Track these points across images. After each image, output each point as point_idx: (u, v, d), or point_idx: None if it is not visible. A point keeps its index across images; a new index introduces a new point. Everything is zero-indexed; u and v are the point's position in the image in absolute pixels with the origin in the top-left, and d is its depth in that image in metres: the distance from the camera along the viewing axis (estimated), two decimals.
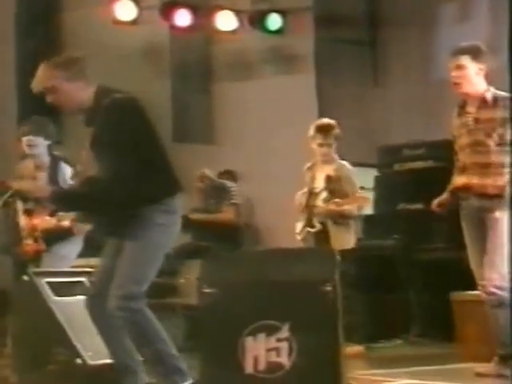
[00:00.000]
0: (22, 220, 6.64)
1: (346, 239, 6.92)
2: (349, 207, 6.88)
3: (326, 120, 7.24)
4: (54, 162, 6.58)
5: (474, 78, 5.61)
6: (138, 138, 4.58)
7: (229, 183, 8.69)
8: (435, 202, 5.83)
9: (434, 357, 6.79)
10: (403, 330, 7.88)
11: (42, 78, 4.72)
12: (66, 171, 6.44)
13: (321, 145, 7.02)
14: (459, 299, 6.59)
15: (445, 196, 5.80)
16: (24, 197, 6.46)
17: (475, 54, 5.62)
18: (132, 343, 4.72)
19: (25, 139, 6.59)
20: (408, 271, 8.11)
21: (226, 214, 8.40)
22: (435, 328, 7.51)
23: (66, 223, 6.43)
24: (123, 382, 4.84)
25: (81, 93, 4.71)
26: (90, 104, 4.68)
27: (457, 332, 6.63)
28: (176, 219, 4.70)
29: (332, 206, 6.86)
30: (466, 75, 5.62)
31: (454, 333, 6.67)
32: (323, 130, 7.03)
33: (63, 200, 4.78)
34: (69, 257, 6.56)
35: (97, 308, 4.79)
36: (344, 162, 7.12)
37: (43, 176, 6.46)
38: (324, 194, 6.91)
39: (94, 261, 7.35)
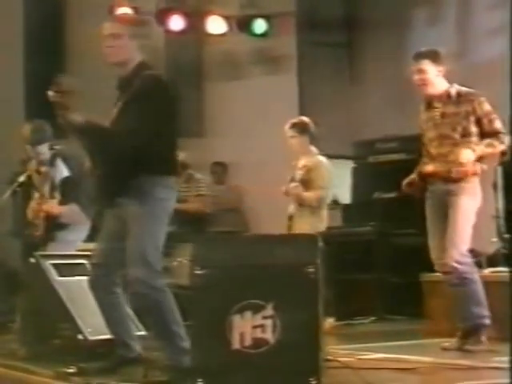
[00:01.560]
0: (33, 206, 6.63)
1: (307, 224, 6.85)
2: (308, 195, 6.89)
3: (299, 118, 7.27)
4: (53, 158, 6.53)
5: (435, 79, 5.63)
6: (163, 113, 4.54)
7: (198, 175, 8.57)
8: (404, 182, 5.82)
9: (404, 333, 6.79)
10: (377, 308, 7.89)
11: (111, 25, 4.72)
12: (62, 168, 6.48)
13: (292, 137, 7.04)
14: (428, 280, 6.59)
15: (413, 176, 5.79)
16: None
17: (433, 57, 5.64)
18: (148, 322, 4.70)
19: (29, 148, 6.56)
20: (383, 254, 8.12)
21: (194, 205, 8.33)
22: (406, 306, 7.51)
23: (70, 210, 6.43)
24: (119, 353, 4.82)
25: (134, 53, 4.70)
26: (130, 70, 4.66)
27: (425, 310, 6.63)
28: (173, 194, 4.67)
29: (294, 192, 6.89)
30: (427, 78, 5.64)
31: (422, 310, 6.68)
32: (295, 125, 7.05)
33: (87, 129, 4.60)
34: (73, 243, 6.50)
35: (100, 288, 4.76)
36: (319, 156, 7.08)
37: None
38: (294, 183, 6.94)
39: (93, 245, 7.37)
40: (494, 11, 8.63)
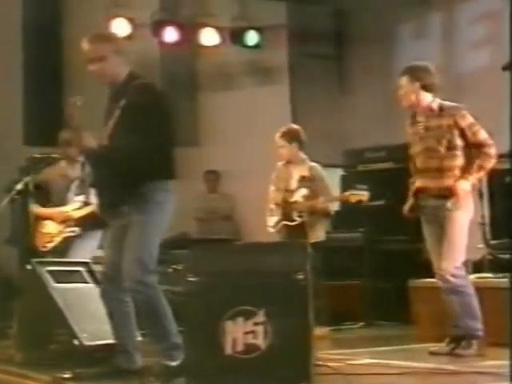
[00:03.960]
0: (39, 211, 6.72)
1: (320, 232, 6.91)
2: (326, 204, 6.91)
3: (289, 126, 7.24)
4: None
5: (412, 94, 5.61)
6: (157, 119, 4.56)
7: None
8: (406, 208, 5.80)
9: (392, 338, 6.77)
10: (365, 314, 7.87)
11: (93, 47, 4.70)
12: None
13: (282, 147, 7.02)
14: (416, 286, 6.57)
15: (411, 201, 5.77)
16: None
17: (411, 73, 5.64)
18: (141, 318, 4.72)
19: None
20: (371, 261, 8.10)
21: None
22: (394, 311, 7.49)
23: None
24: (120, 361, 4.77)
25: (121, 68, 4.72)
26: (120, 82, 4.68)
27: (413, 315, 6.61)
28: (170, 197, 4.69)
29: (311, 202, 6.86)
30: (404, 93, 5.66)
31: (410, 316, 6.65)
32: (285, 134, 7.02)
33: (96, 155, 4.67)
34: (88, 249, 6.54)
35: (110, 297, 4.76)
36: (315, 164, 7.09)
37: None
38: (304, 191, 6.91)
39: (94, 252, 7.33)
40: (478, 25, 8.66)
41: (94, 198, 5.93)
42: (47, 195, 6.77)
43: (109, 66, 4.68)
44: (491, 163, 5.56)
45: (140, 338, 5.44)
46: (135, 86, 4.58)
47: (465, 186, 5.50)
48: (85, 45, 4.73)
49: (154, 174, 4.60)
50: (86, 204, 6.49)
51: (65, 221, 6.61)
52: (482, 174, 5.64)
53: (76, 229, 6.58)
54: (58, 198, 6.72)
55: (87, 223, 6.48)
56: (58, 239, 6.60)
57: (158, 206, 4.58)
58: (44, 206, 6.82)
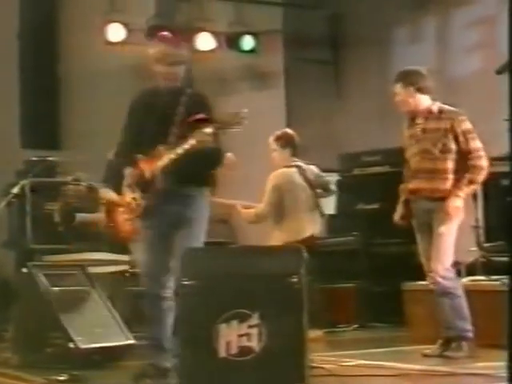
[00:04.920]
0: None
1: (271, 237, 6.86)
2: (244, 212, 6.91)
3: (284, 131, 7.22)
4: None
5: (410, 99, 5.64)
6: None
7: (97, 185, 8.57)
8: (397, 216, 5.82)
9: (386, 340, 6.78)
10: (360, 316, 7.87)
11: (174, 51, 4.99)
12: None
13: (274, 150, 7.01)
14: (409, 288, 6.59)
15: (401, 209, 5.79)
16: None
17: (404, 80, 5.68)
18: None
19: None
20: (366, 264, 8.11)
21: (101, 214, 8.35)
22: (388, 314, 7.50)
23: None
24: (158, 360, 4.78)
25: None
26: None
27: (406, 318, 6.62)
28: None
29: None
30: (401, 100, 5.68)
31: (404, 318, 6.66)
32: (279, 138, 7.01)
33: None
34: None
35: (154, 299, 4.78)
36: (284, 169, 6.99)
37: None
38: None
39: (87, 255, 7.33)
40: (472, 29, 8.68)
41: None
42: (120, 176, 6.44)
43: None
44: (482, 176, 5.59)
45: (133, 341, 5.46)
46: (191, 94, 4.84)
47: (456, 204, 5.52)
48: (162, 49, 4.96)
49: (203, 179, 4.85)
50: None
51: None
52: (472, 187, 5.69)
53: None
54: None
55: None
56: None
57: (205, 210, 4.81)
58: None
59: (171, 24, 9.67)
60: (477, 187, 5.81)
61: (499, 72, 4.21)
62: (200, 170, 4.75)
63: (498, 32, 8.14)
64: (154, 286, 4.77)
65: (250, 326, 4.24)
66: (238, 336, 4.24)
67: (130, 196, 4.86)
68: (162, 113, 4.78)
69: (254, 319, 4.25)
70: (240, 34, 9.73)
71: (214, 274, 4.35)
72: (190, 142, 4.59)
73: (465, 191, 5.57)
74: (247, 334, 4.24)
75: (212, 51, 9.81)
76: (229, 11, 9.82)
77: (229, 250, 4.99)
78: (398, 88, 5.68)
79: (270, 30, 9.83)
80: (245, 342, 4.23)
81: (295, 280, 4.27)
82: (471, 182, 5.59)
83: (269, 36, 9.84)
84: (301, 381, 4.16)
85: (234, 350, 4.23)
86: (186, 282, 4.32)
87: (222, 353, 4.23)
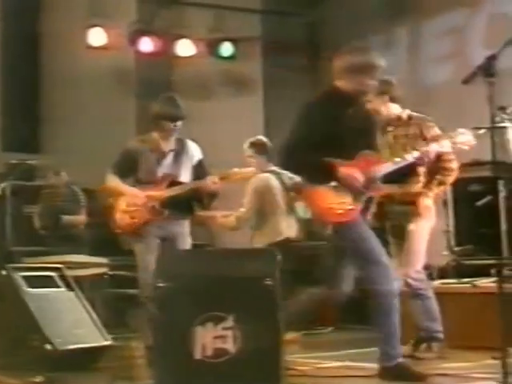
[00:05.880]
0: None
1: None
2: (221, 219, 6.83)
3: (257, 138, 7.22)
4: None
5: (382, 107, 5.70)
6: None
7: (77, 188, 8.60)
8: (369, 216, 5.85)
9: (361, 341, 6.76)
10: (336, 318, 7.89)
11: None
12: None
13: (249, 156, 7.01)
14: None
15: (373, 210, 5.82)
16: None
17: (378, 88, 5.68)
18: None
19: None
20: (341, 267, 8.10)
21: (82, 216, 8.43)
22: (364, 316, 7.49)
23: None
24: None
25: None
26: None
27: None
28: None
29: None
30: (372, 108, 5.63)
31: None
32: (253, 144, 7.01)
33: None
34: None
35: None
36: (260, 174, 6.99)
37: None
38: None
39: (66, 257, 7.32)
40: (442, 39, 8.75)
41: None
42: (132, 167, 5.82)
43: None
44: (452, 177, 5.66)
45: (111, 343, 5.44)
46: None
47: (426, 203, 5.62)
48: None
49: None
50: (174, 183, 5.77)
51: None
52: (442, 188, 5.78)
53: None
54: (146, 172, 5.79)
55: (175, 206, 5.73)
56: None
57: None
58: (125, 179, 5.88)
59: (152, 29, 9.69)
60: (446, 188, 5.85)
61: (465, 82, 4.24)
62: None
63: (468, 42, 8.25)
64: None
65: (225, 328, 4.24)
66: (213, 338, 4.23)
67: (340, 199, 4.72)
68: (360, 121, 4.76)
69: (229, 321, 4.24)
70: (219, 41, 9.76)
71: (190, 277, 4.34)
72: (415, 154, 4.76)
73: (435, 192, 5.66)
74: (222, 336, 4.23)
75: (191, 57, 9.83)
76: (208, 18, 9.84)
77: (204, 252, 4.98)
78: (371, 96, 5.71)
79: (248, 37, 9.86)
80: (220, 344, 4.23)
81: (270, 282, 4.27)
82: (441, 183, 5.67)
83: (248, 43, 9.87)
84: (276, 382, 4.16)
85: (209, 352, 4.23)
86: (161, 284, 4.32)
87: (198, 355, 4.22)
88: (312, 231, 8.24)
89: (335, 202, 4.69)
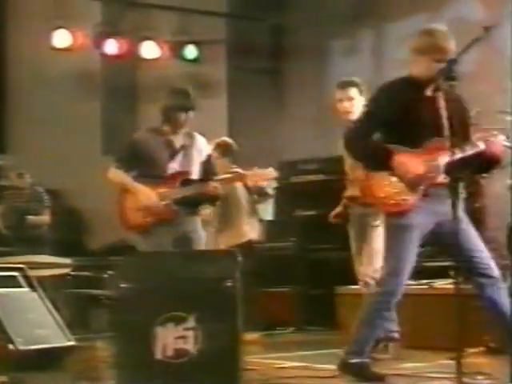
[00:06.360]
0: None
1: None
2: None
3: (222, 139, 7.24)
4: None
5: (359, 108, 5.66)
6: None
7: (40, 189, 8.62)
8: (332, 214, 5.90)
9: (320, 342, 6.84)
10: (296, 319, 7.94)
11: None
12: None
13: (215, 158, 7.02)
14: (342, 292, 6.67)
15: (338, 209, 5.88)
16: None
17: (359, 87, 5.72)
18: None
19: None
20: (302, 269, 8.19)
21: (46, 217, 8.49)
22: (322, 317, 7.57)
23: None
24: None
25: None
26: None
27: (339, 321, 6.70)
28: None
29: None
30: (354, 106, 5.70)
31: (337, 321, 6.74)
32: (218, 146, 7.04)
33: None
34: None
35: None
36: None
37: None
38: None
39: (29, 258, 7.28)
40: (405, 43, 8.81)
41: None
42: (139, 160, 5.45)
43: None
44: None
45: (74, 343, 5.43)
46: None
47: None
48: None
49: None
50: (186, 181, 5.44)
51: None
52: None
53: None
54: (156, 166, 5.44)
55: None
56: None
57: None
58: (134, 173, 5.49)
59: (117, 32, 9.66)
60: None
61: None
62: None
63: None
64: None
65: (186, 329, 4.26)
66: (174, 338, 4.25)
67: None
68: (430, 108, 4.46)
69: (190, 322, 4.27)
70: (183, 43, 9.77)
71: (151, 278, 4.36)
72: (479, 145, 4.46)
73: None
74: (183, 337, 4.26)
75: (156, 59, 9.82)
76: (173, 20, 9.84)
77: (166, 254, 4.98)
78: (354, 93, 5.71)
79: (213, 40, 9.87)
80: (181, 345, 4.25)
81: (230, 284, 4.30)
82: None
83: (212, 45, 9.89)
84: (234, 383, 4.19)
85: (169, 353, 4.24)
86: (123, 285, 4.33)
87: (158, 355, 4.24)
88: (274, 233, 8.32)
89: (390, 192, 4.51)
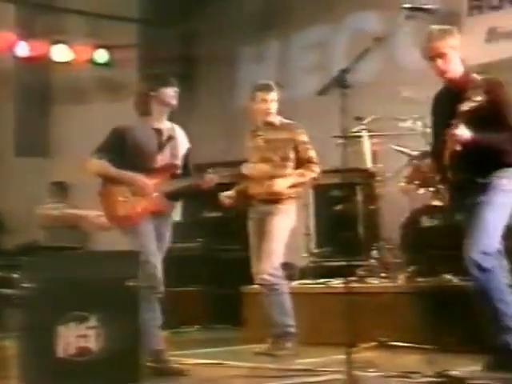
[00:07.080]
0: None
1: None
2: None
3: None
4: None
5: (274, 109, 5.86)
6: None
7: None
8: (223, 195, 6.00)
9: (224, 340, 6.91)
10: (201, 318, 8.00)
11: (438, 44, 4.49)
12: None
13: None
14: (247, 291, 6.76)
15: (231, 192, 5.98)
16: None
17: (277, 91, 5.87)
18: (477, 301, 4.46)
19: None
20: (208, 268, 8.25)
21: None
22: (228, 315, 7.65)
23: None
24: None
25: (458, 65, 4.57)
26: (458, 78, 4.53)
27: (243, 319, 6.79)
28: None
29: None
30: (274, 108, 5.87)
31: (242, 320, 6.83)
32: None
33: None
34: None
35: None
36: None
37: None
38: None
39: None
40: (310, 52, 9.02)
41: None
42: (122, 150, 5.07)
43: (448, 63, 4.52)
44: (311, 175, 5.83)
45: None
46: (488, 82, 4.39)
47: (283, 184, 5.73)
48: (427, 42, 4.56)
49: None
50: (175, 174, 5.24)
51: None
52: (301, 180, 5.84)
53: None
54: (145, 157, 5.09)
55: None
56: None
57: (503, 193, 4.45)
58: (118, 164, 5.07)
59: (28, 34, 9.58)
60: (304, 182, 5.96)
61: (320, 93, 4.42)
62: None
63: (331, 56, 8.56)
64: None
65: (88, 328, 4.29)
66: (76, 337, 4.27)
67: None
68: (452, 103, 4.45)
69: (92, 321, 4.29)
70: (94, 47, 9.75)
71: (54, 278, 4.36)
72: None
73: (293, 178, 5.77)
74: (85, 336, 4.28)
75: (69, 63, 9.78)
76: (85, 24, 9.82)
77: (68, 254, 4.99)
78: (274, 96, 5.84)
79: (124, 45, 9.87)
80: (83, 343, 4.27)
81: (131, 283, 4.35)
82: (302, 175, 5.81)
83: (123, 50, 9.88)
84: (135, 381, 4.24)
85: (71, 351, 4.26)
86: (26, 285, 4.33)
87: (61, 353, 4.25)
88: (184, 233, 8.36)
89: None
